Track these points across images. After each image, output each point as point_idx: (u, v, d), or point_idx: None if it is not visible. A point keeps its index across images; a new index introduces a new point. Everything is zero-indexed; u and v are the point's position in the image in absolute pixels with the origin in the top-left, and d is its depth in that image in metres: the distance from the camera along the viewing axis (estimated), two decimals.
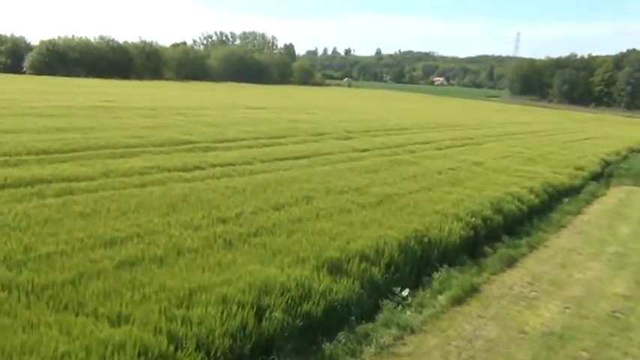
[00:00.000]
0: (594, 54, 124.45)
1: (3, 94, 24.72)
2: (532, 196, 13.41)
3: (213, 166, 12.46)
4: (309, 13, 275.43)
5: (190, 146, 14.94)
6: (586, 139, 29.62)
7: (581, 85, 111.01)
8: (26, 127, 14.26)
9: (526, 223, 12.21)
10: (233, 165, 12.86)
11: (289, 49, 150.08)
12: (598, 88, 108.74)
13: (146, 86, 48.43)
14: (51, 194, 9.02)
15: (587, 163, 20.30)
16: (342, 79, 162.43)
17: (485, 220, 10.68)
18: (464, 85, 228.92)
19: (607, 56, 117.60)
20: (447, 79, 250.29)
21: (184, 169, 11.67)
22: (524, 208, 12.60)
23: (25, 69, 60.14)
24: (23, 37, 70.99)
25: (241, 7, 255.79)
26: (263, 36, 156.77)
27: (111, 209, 8.54)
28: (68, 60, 61.93)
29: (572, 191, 16.07)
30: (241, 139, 16.99)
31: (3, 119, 15.79)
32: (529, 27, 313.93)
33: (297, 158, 14.26)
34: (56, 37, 71.33)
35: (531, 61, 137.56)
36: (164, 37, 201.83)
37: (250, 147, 15.69)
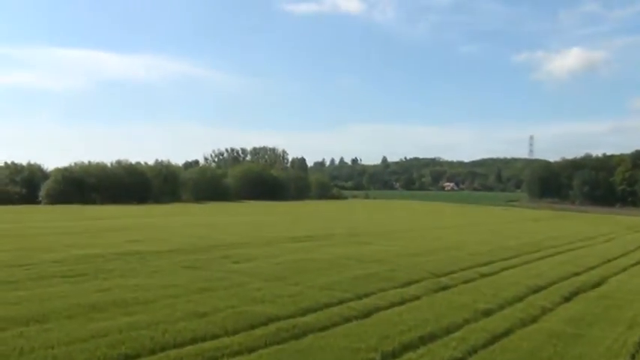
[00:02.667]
0: (608, 153, 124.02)
1: (19, 241, 21.82)
2: None
3: None
4: (314, 125, 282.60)
5: None
6: None
7: (602, 186, 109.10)
8: (53, 308, 10.96)
9: None
10: None
11: (301, 162, 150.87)
12: (621, 188, 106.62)
13: (170, 213, 45.81)
14: None
15: None
16: (354, 189, 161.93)
17: None
18: (474, 189, 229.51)
19: (622, 155, 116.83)
20: (457, 184, 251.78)
21: None
22: None
23: (40, 198, 58.07)
24: (40, 166, 70.17)
25: (247, 122, 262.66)
26: (274, 151, 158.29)
27: None
28: (84, 186, 60.24)
29: None
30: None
31: (19, 285, 12.60)
32: (525, 127, 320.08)
33: None
34: (72, 164, 70.52)
35: (547, 163, 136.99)
36: (175, 155, 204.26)
37: None
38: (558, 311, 11.83)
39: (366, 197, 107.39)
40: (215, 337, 8.82)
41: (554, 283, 15.14)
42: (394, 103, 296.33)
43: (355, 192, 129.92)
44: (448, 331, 9.74)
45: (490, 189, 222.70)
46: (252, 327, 9.48)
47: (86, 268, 14.84)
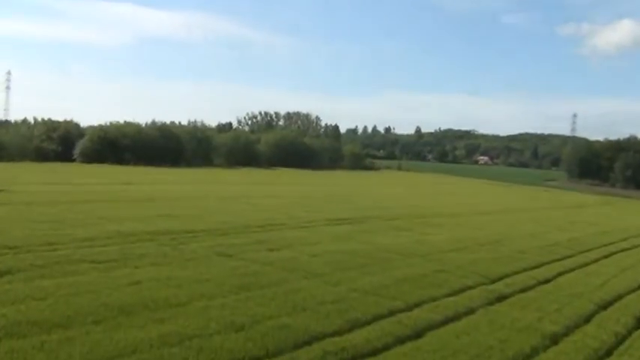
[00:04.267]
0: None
1: (52, 209, 21.31)
2: None
3: None
4: (349, 90, 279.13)
5: None
6: None
7: None
8: (80, 308, 10.15)
9: None
10: None
11: (335, 130, 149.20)
12: None
13: (203, 180, 45.29)
14: None
15: None
16: (387, 159, 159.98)
17: None
18: (509, 165, 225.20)
19: None
20: (491, 158, 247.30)
21: None
22: None
23: (75, 157, 58.26)
24: (77, 123, 70.44)
25: (282, 84, 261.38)
26: (307, 116, 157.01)
27: None
28: (118, 147, 60.08)
29: None
30: None
31: (46, 272, 11.88)
32: (565, 103, 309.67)
33: None
34: (107, 124, 70.56)
35: (588, 143, 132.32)
36: (209, 116, 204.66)
37: None
38: (635, 340, 10.52)
39: (399, 169, 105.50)
40: (252, 359, 7.85)
41: (621, 296, 13.77)
42: (431, 72, 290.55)
43: (388, 162, 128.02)
44: None
45: (525, 165, 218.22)
46: (296, 347, 8.49)
47: (116, 251, 14.04)
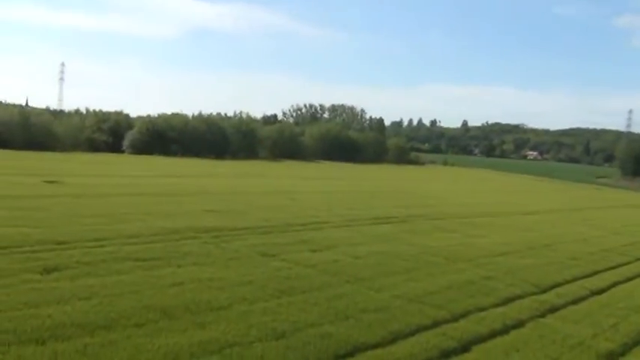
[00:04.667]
0: None
1: (100, 204, 21.76)
2: None
3: None
4: (394, 82, 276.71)
5: None
6: None
7: None
8: (123, 310, 10.21)
9: None
10: None
11: (379, 123, 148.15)
12: None
13: (248, 174, 45.63)
14: None
15: None
16: (432, 152, 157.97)
17: None
18: (559, 160, 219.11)
19: None
20: (541, 153, 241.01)
21: None
22: None
23: (124, 148, 59.71)
24: (127, 114, 72.22)
25: (327, 77, 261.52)
26: (352, 109, 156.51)
27: None
28: (166, 139, 61.19)
29: None
30: None
31: (92, 270, 12.04)
32: (619, 97, 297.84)
33: None
34: (155, 115, 72.07)
35: None
36: (255, 107, 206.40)
37: None
38: None
39: (445, 164, 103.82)
40: None
41: None
42: (479, 64, 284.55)
43: (433, 155, 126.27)
44: None
45: (576, 161, 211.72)
46: (337, 357, 8.29)
47: (160, 248, 14.15)
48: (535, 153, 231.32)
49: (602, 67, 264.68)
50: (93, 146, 59.07)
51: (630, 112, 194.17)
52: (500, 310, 11.57)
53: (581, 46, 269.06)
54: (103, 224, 16.83)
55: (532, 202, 40.65)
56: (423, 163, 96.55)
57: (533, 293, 13.23)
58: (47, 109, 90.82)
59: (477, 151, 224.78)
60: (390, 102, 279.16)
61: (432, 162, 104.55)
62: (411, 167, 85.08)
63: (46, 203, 19.83)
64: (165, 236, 15.85)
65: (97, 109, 70.75)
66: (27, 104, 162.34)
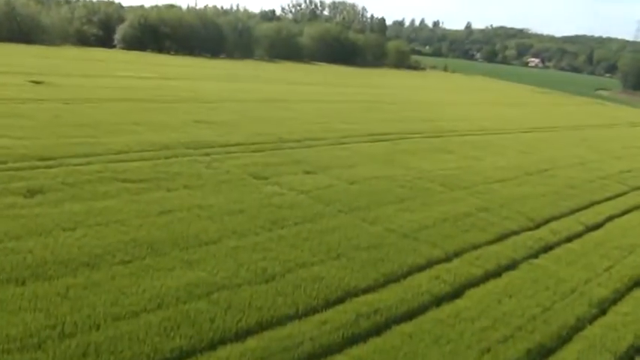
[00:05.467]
0: None
1: (86, 112, 21.07)
2: None
3: None
4: None
5: None
6: None
7: None
8: (108, 245, 9.86)
9: None
10: None
11: (381, 24, 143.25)
12: None
13: (245, 78, 44.32)
14: None
15: None
16: (433, 56, 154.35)
17: None
18: (561, 69, 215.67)
19: None
20: (543, 61, 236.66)
21: None
22: None
23: (115, 43, 57.48)
24: (119, 4, 69.19)
25: None
26: (353, 7, 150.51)
27: None
28: (159, 34, 58.88)
29: None
30: None
31: (77, 193, 11.64)
32: (626, 3, 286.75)
33: None
34: (148, 7, 69.06)
35: None
36: (249, 1, 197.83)
37: None
38: None
39: (445, 69, 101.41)
40: (282, 320, 7.51)
41: None
42: None
43: (433, 60, 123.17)
44: (562, 339, 8.09)
45: (578, 70, 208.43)
46: (327, 304, 8.12)
47: (149, 168, 13.71)
48: (537, 60, 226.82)
49: None
50: (82, 40, 56.75)
51: (639, 22, 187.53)
52: (494, 248, 11.39)
53: None
54: (90, 136, 16.28)
55: (531, 117, 39.96)
56: (423, 69, 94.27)
57: (529, 228, 13.04)
58: None
59: (478, 55, 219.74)
60: (393, 1, 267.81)
61: (433, 67, 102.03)
62: (411, 73, 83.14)
63: (31, 109, 19.12)
64: (155, 153, 15.37)
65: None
66: None
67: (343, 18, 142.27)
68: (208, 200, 11.87)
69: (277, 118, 24.08)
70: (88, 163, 13.55)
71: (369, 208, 12.81)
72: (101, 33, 59.34)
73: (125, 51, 55.62)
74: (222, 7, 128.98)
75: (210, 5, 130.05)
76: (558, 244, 12.37)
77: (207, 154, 15.97)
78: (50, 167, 12.80)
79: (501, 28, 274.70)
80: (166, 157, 15.01)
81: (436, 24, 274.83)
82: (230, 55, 65.43)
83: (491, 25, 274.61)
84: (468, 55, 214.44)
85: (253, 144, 18.15)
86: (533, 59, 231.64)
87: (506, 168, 19.53)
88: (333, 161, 17.07)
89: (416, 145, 21.76)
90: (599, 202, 16.56)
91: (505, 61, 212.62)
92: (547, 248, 11.95)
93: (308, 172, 15.38)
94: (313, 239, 10.40)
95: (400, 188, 14.89)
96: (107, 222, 9.94)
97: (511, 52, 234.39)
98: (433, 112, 34.41)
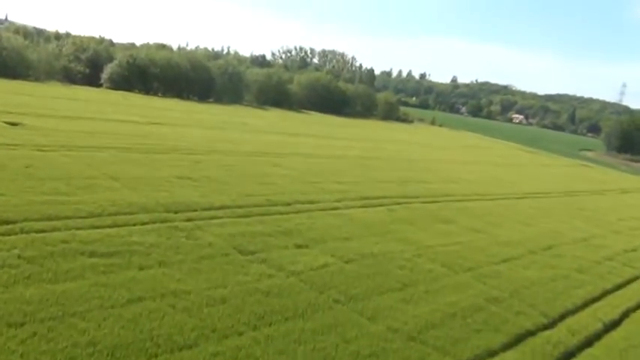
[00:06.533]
0: None
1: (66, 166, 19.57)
2: None
3: None
4: (385, 31, 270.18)
5: None
6: None
7: None
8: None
9: None
10: None
11: (369, 74, 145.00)
12: None
13: (235, 126, 43.25)
14: None
15: None
16: (420, 107, 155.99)
17: None
18: (544, 126, 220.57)
19: None
20: (526, 117, 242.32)
21: None
22: None
23: (102, 82, 56.37)
24: (108, 43, 68.40)
25: (316, 19, 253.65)
26: (343, 56, 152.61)
27: None
28: (148, 75, 57.92)
29: None
30: None
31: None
32: (608, 66, 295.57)
33: None
34: (138, 44, 68.40)
35: (633, 117, 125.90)
36: (243, 44, 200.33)
37: None
38: None
39: (432, 123, 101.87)
40: None
41: None
42: (473, 20, 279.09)
43: (421, 112, 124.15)
44: None
45: (561, 128, 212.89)
46: None
47: (122, 237, 12.17)
48: (521, 117, 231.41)
49: (596, 34, 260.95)
50: (69, 77, 55.59)
51: (624, 85, 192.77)
52: (512, 355, 9.95)
53: (580, 10, 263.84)
54: (60, 193, 14.75)
55: (523, 180, 39.25)
56: (411, 121, 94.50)
57: (544, 327, 11.65)
58: (24, 28, 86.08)
59: (463, 109, 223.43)
60: (381, 51, 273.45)
61: (421, 120, 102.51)
62: (399, 125, 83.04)
63: (1, 157, 17.55)
64: (130, 217, 13.84)
65: (77, 35, 66.94)
66: (6, 19, 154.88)
67: (333, 66, 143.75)
68: (186, 284, 10.35)
69: (266, 174, 22.78)
70: (54, 230, 11.99)
71: (368, 296, 11.37)
72: (88, 71, 58.32)
73: (111, 90, 54.48)
74: (212, 49, 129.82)
75: (201, 46, 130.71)
76: (579, 348, 10.98)
77: (189, 219, 14.52)
78: (8, 234, 11.23)
79: (486, 83, 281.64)
80: (143, 223, 13.48)
81: (423, 76, 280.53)
82: (219, 99, 64.62)
83: (477, 80, 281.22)
84: (454, 109, 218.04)
85: (240, 207, 16.74)
86: (517, 115, 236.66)
87: (509, 244, 18.29)
88: (327, 232, 15.67)
89: (413, 213, 20.50)
90: (611, 292, 15.29)
91: (490, 116, 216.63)
92: (568, 355, 10.54)
93: (299, 246, 13.95)
94: (306, 342, 8.91)
95: (400, 270, 13.49)
96: (63, 315, 8.37)
97: (496, 108, 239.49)
98: (426, 171, 33.43)
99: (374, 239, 15.88)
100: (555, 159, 71.91)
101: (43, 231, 11.80)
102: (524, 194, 31.70)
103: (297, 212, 17.50)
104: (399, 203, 21.83)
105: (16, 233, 11.36)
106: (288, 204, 18.26)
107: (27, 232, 11.53)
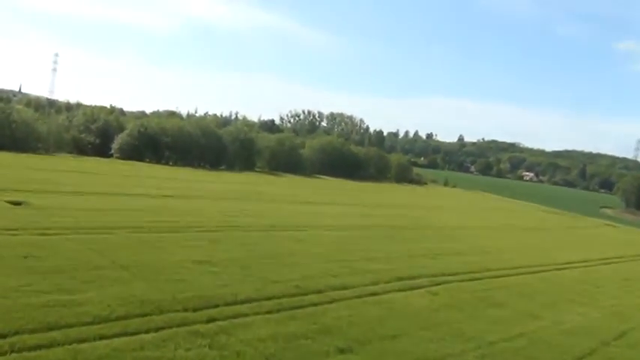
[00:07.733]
0: None
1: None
2: None
3: None
4: (389, 91, 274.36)
5: None
6: None
7: None
8: None
9: None
10: None
11: (379, 136, 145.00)
12: None
13: (253, 196, 41.63)
14: None
15: None
16: (429, 167, 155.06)
17: None
18: (555, 183, 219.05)
19: None
20: (537, 175, 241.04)
21: None
22: None
23: (112, 152, 55.32)
24: (119, 112, 68.06)
25: (325, 82, 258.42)
26: (351, 118, 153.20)
27: None
28: (159, 144, 56.91)
29: None
30: None
31: None
32: (619, 122, 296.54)
33: None
34: (149, 112, 67.93)
35: None
36: (251, 108, 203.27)
37: None
38: None
39: (446, 184, 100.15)
40: None
41: None
42: (479, 79, 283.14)
43: (432, 172, 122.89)
44: None
45: (572, 185, 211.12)
46: None
47: (132, 351, 10.02)
48: (531, 174, 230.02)
49: (600, 91, 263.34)
50: (79, 147, 54.58)
51: (638, 142, 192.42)
52: None
53: (582, 67, 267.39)
54: (62, 290, 12.75)
55: (557, 246, 36.96)
56: (425, 183, 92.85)
57: None
58: (36, 99, 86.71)
59: (472, 168, 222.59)
60: (387, 111, 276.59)
61: (433, 181, 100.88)
62: (414, 188, 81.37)
63: None
64: (142, 320, 11.72)
65: (89, 104, 66.74)
66: (20, 91, 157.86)
67: (342, 129, 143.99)
68: None
69: (290, 252, 20.74)
70: (52, 344, 9.90)
71: None
72: (98, 141, 57.43)
73: (122, 161, 53.35)
74: (221, 114, 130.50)
75: (210, 113, 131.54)
76: None
77: (210, 319, 12.39)
78: None
79: (493, 141, 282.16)
80: (157, 329, 11.35)
81: (429, 136, 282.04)
82: (230, 167, 63.36)
83: (483, 139, 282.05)
84: (463, 168, 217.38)
85: (268, 298, 14.60)
86: (527, 173, 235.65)
87: (575, 333, 15.92)
88: (370, 328, 13.45)
89: (457, 296, 18.23)
90: None
91: (500, 174, 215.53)
92: None
93: (342, 351, 11.72)
94: None
95: None
96: None
97: (505, 166, 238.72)
98: (455, 240, 31.25)
99: (425, 335, 13.61)
100: (578, 219, 69.50)
101: (38, 347, 9.71)
102: (563, 264, 29.40)
103: (331, 302, 15.32)
104: (437, 284, 19.58)
105: (5, 353, 9.26)
106: (320, 291, 16.08)
107: (19, 351, 9.42)
